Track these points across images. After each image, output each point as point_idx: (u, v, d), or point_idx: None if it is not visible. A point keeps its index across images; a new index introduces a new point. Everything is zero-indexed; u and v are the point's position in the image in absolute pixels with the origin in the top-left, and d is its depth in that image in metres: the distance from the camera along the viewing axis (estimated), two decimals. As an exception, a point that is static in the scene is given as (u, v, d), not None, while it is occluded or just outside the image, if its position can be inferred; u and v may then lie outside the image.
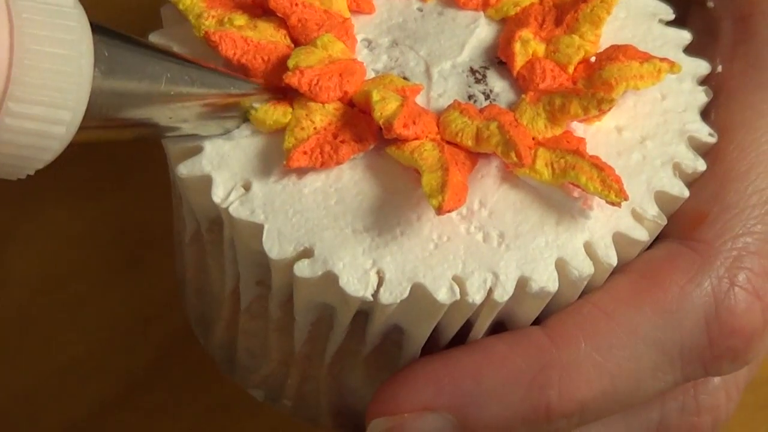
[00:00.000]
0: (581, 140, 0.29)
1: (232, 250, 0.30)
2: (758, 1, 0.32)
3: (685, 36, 0.32)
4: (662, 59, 0.30)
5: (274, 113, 0.29)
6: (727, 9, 0.33)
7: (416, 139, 0.28)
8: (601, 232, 0.29)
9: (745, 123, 0.31)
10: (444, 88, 0.30)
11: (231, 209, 0.28)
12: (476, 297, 0.28)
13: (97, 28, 0.25)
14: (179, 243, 0.34)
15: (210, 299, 0.33)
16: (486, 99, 0.30)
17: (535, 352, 0.29)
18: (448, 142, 0.28)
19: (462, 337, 0.30)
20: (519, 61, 0.30)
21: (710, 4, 0.33)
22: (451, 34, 0.31)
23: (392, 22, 0.31)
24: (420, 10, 0.31)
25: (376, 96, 0.28)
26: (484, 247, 0.28)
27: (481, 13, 0.31)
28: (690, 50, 0.32)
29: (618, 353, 0.29)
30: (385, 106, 0.28)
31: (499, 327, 0.30)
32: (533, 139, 0.29)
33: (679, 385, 0.31)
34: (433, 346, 0.30)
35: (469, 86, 0.30)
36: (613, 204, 0.28)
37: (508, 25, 0.31)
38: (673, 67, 0.30)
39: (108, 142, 0.27)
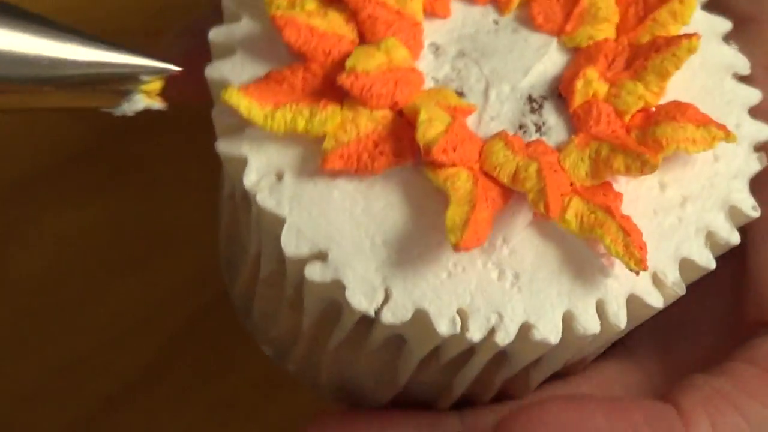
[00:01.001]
0: (618, 196, 0.28)
1: (258, 225, 0.30)
2: None
3: (754, 95, 0.31)
4: (719, 126, 0.29)
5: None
6: (755, 55, 0.32)
7: (453, 165, 0.28)
8: (616, 291, 0.28)
9: None
10: (498, 112, 0.29)
11: (258, 198, 0.28)
12: (476, 335, 0.27)
13: None
14: (220, 193, 0.34)
15: (238, 250, 0.33)
16: (536, 131, 0.29)
17: None
18: (486, 173, 0.28)
19: (462, 362, 0.30)
20: (578, 99, 0.29)
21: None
22: (519, 54, 0.30)
23: (464, 30, 0.30)
24: (495, 22, 0.31)
25: (423, 115, 0.28)
26: (497, 285, 0.28)
27: (554, 38, 0.30)
28: None
29: None
30: (429, 128, 0.27)
31: (500, 355, 0.30)
32: (571, 184, 0.28)
33: None
34: (432, 358, 0.30)
35: (523, 115, 0.29)
36: (631, 271, 0.27)
37: (577, 58, 0.30)
38: (728, 136, 0.28)
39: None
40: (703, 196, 0.29)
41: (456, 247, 0.26)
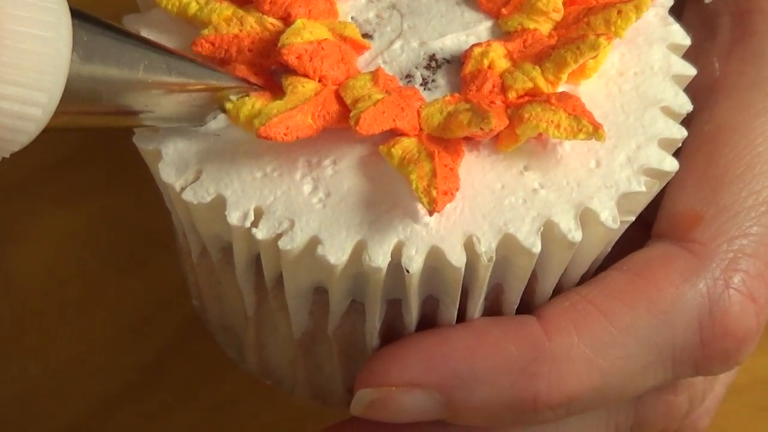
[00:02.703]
0: (459, 153, 0.28)
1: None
2: None
3: (671, 130, 0.30)
4: (593, 121, 0.28)
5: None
6: (726, 5, 0.33)
7: (305, 75, 0.28)
8: (420, 239, 0.28)
9: (741, 125, 0.31)
10: (393, 59, 0.30)
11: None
12: (260, 233, 0.28)
13: (75, 13, 0.25)
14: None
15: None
16: (422, 84, 0.30)
17: (529, 341, 0.29)
18: (337, 95, 0.28)
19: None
20: (471, 65, 0.30)
21: (707, 0, 0.33)
22: (447, 22, 0.31)
23: None
24: None
25: (298, 23, 0.29)
26: (304, 197, 0.28)
27: (492, 21, 0.31)
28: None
29: (610, 350, 0.29)
30: (294, 35, 0.28)
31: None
32: (421, 130, 0.29)
33: (668, 383, 0.31)
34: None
35: (416, 67, 0.30)
36: (425, 209, 0.27)
37: (500, 38, 0.31)
38: (596, 133, 0.28)
39: (84, 128, 0.27)
40: (561, 191, 0.29)
41: (257, 133, 0.27)
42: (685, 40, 0.31)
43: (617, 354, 0.29)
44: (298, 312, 0.30)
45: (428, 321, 0.30)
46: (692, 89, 0.31)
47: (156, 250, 0.42)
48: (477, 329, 0.29)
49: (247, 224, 0.28)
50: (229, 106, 0.29)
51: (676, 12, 0.32)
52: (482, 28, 0.31)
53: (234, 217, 0.28)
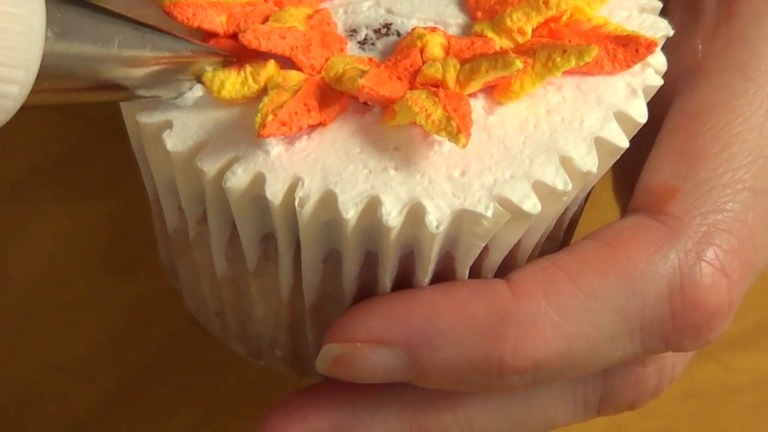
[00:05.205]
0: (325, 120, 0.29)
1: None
2: None
3: (587, 165, 0.29)
4: (461, 128, 0.27)
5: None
6: None
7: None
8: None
9: (720, 104, 0.31)
10: (355, 12, 0.31)
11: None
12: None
13: None
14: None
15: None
16: (359, 42, 0.30)
17: (496, 302, 0.28)
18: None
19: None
20: (405, 40, 0.30)
21: None
22: (428, 5, 0.31)
23: None
24: None
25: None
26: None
27: (467, 21, 0.31)
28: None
29: (577, 316, 0.29)
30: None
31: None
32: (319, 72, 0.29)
33: (639, 357, 0.30)
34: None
35: (366, 26, 0.31)
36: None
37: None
38: (457, 136, 0.27)
39: (60, 104, 0.27)
40: (409, 181, 0.28)
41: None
42: (641, 118, 0.30)
43: (585, 320, 0.29)
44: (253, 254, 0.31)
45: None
46: (674, 70, 0.31)
47: (156, 250, 0.42)
48: (444, 289, 0.29)
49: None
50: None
51: None
52: (453, 23, 0.31)
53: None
